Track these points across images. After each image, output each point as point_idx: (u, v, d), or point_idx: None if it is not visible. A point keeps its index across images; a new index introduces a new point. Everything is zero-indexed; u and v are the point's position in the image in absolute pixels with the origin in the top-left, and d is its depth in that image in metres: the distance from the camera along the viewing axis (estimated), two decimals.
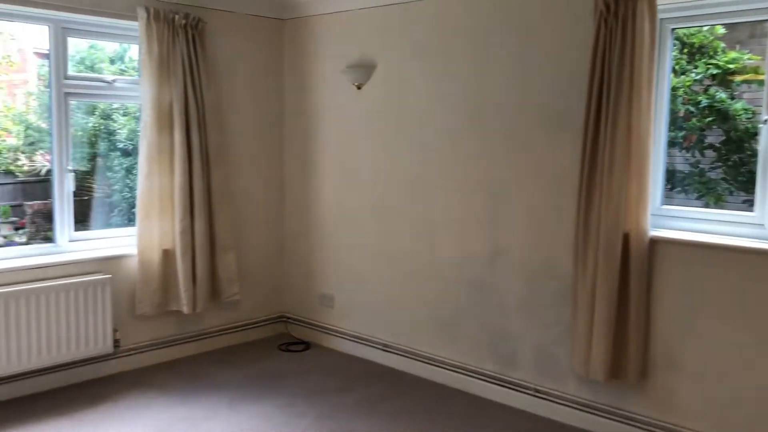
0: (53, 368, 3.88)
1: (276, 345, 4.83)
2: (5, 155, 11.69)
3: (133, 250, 4.17)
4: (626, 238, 3.20)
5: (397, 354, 4.38)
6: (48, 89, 4.01)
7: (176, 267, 4.24)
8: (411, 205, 4.24)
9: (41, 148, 11.20)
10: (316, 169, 4.80)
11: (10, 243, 3.95)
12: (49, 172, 10.88)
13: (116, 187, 4.88)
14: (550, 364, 3.67)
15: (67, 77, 4.01)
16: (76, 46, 10.58)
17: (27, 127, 11.42)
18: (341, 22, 4.53)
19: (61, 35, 3.95)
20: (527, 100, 3.65)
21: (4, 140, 11.82)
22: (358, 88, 4.41)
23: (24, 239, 10.08)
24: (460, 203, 3.99)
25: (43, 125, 11.45)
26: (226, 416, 3.66)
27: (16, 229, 10.33)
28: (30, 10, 3.76)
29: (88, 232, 4.27)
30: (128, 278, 4.19)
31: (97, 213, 4.48)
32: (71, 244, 4.10)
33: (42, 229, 10.13)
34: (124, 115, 4.80)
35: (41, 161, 11.15)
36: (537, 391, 3.71)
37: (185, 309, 4.26)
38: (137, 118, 4.37)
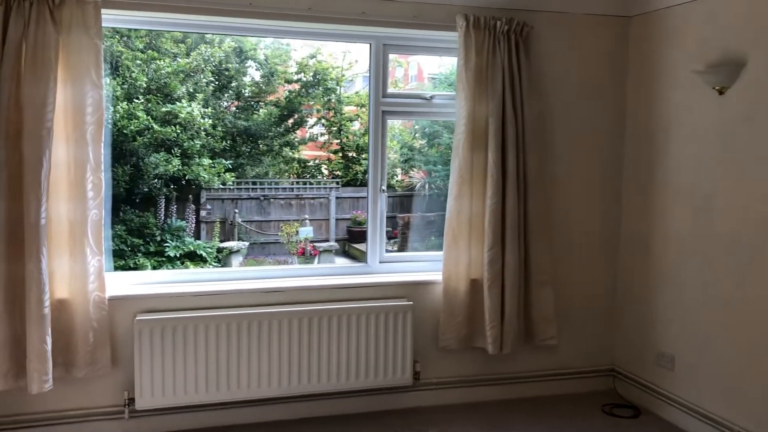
0: (349, 393, 3.78)
1: (599, 404, 4.04)
2: (387, 171, 12.96)
3: (438, 277, 3.88)
4: None
5: None
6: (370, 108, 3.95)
7: (483, 300, 3.81)
8: None
9: (415, 165, 12.13)
10: (661, 194, 3.88)
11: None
12: (421, 187, 11.64)
13: None
14: None
15: (385, 95, 3.91)
16: (445, 66, 11.04)
17: (402, 146, 12.49)
18: (699, 13, 3.57)
19: (382, 52, 3.86)
20: None
21: (387, 158, 13.15)
22: (720, 92, 3.41)
23: (395, 248, 10.97)
24: None
25: (416, 144, 12.36)
26: None
27: (389, 238, 11.33)
28: (353, 29, 3.75)
29: (398, 254, 4.16)
30: (432, 307, 3.90)
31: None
32: (381, 266, 3.98)
33: (407, 240, 10.90)
34: None
35: (416, 177, 12.04)
36: None
37: (490, 348, 3.79)
38: None
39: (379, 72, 3.88)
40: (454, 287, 3.82)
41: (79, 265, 3.24)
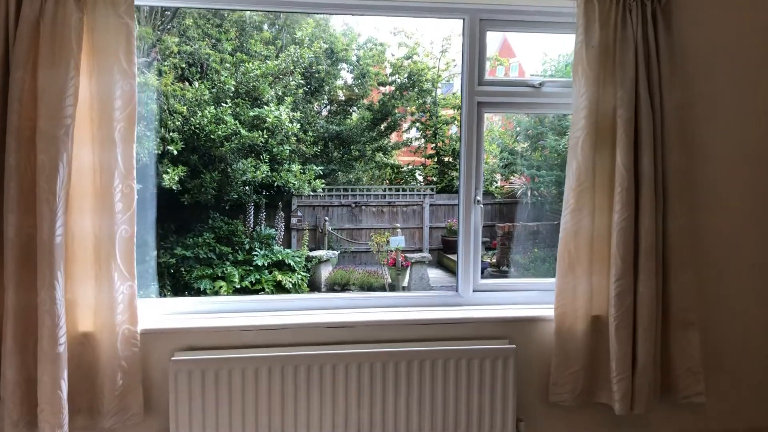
0: None
1: None
2: (485, 177, 12.16)
3: (549, 312, 3.06)
4: None
5: None
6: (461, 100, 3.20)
7: (609, 343, 2.96)
8: None
9: (516, 170, 11.21)
10: None
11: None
12: (523, 194, 10.70)
13: None
14: None
15: (482, 82, 3.14)
16: (549, 63, 10.08)
17: (502, 150, 11.60)
18: None
19: (478, 29, 3.10)
20: None
21: (486, 162, 12.37)
22: None
23: (494, 260, 10.10)
24: None
25: (517, 148, 11.44)
26: None
27: (487, 249, 10.51)
28: (445, 1, 3.02)
29: (496, 281, 3.33)
30: (541, 350, 3.09)
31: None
32: (475, 295, 3.22)
33: (508, 252, 9.98)
34: None
35: (517, 183, 11.12)
36: None
37: (617, 406, 2.93)
38: None
39: (474, 54, 3.12)
40: (569, 326, 2.98)
41: (105, 292, 2.67)
